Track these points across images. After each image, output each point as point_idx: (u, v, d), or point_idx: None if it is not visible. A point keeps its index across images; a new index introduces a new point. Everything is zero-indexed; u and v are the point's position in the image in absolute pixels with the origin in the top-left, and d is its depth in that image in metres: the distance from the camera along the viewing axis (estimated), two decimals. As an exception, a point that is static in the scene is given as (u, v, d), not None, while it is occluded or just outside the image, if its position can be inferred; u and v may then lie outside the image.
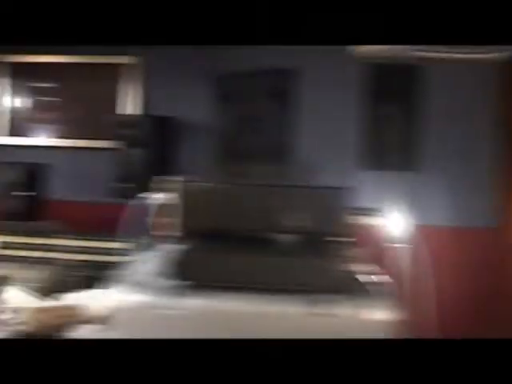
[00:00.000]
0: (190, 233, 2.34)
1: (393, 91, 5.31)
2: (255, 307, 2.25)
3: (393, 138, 5.32)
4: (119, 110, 5.50)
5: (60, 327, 2.48)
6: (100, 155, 5.40)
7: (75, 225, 3.77)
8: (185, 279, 2.29)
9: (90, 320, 2.57)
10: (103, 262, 3.38)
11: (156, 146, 5.10)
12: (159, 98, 5.49)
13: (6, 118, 5.62)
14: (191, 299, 2.25)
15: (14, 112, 5.66)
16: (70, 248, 3.45)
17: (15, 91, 5.68)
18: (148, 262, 2.50)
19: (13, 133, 5.61)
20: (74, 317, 2.51)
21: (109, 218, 5.04)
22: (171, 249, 2.37)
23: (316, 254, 2.38)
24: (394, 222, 3.55)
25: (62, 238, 3.47)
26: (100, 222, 5.05)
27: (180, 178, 2.35)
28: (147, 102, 5.51)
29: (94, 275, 3.25)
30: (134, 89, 5.51)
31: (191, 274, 2.30)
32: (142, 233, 2.44)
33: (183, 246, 2.33)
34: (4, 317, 2.61)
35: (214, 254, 2.35)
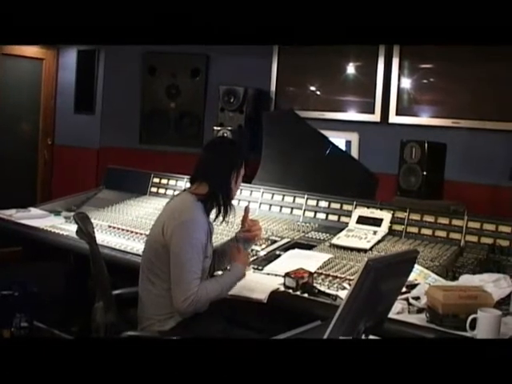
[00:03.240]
0: None
1: None
2: None
3: None
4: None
5: (460, 308, 2.46)
6: (496, 136, 5.21)
7: (471, 206, 3.72)
8: None
9: (491, 305, 2.50)
10: (501, 245, 3.27)
11: None
12: None
13: (402, 98, 5.74)
14: None
15: (409, 92, 5.75)
16: (467, 229, 3.40)
17: (409, 72, 5.75)
18: None
19: (407, 112, 5.72)
20: (478, 300, 2.46)
21: (505, 201, 4.91)
22: None
23: None
24: None
25: (460, 218, 3.44)
26: (495, 204, 4.95)
27: None
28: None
29: (491, 258, 3.18)
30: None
31: None
32: None
33: None
34: (404, 291, 2.70)
35: None
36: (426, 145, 3.75)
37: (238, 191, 3.11)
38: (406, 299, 2.73)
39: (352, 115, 5.87)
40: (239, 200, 3.92)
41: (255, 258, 3.35)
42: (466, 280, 2.91)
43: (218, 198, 2.83)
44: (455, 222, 3.46)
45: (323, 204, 3.86)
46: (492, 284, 2.81)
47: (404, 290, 2.68)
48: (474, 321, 2.38)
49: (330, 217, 3.81)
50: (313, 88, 6.20)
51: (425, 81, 5.69)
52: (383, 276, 2.12)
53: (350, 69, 5.98)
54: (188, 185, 2.97)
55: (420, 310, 2.66)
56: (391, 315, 2.47)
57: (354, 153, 5.49)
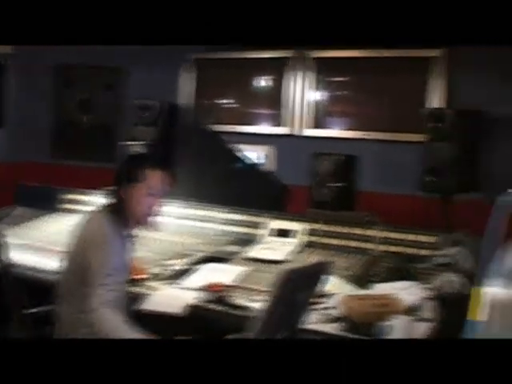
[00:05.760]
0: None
1: None
2: None
3: None
4: (422, 104, 5.42)
5: (373, 315, 2.51)
6: (405, 148, 5.37)
7: (382, 216, 3.80)
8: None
9: (403, 311, 2.56)
10: (412, 254, 3.35)
11: (463, 141, 4.94)
12: (466, 91, 5.30)
13: (314, 110, 5.84)
14: None
15: (321, 105, 5.87)
16: (380, 239, 3.47)
17: (321, 86, 5.88)
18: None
19: (320, 125, 5.83)
20: (389, 307, 2.52)
21: (414, 211, 5.05)
22: None
23: None
24: None
25: (373, 228, 3.51)
26: (405, 214, 5.08)
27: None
28: (454, 96, 5.35)
29: (403, 267, 3.25)
30: (439, 82, 5.39)
31: None
32: (499, 230, 2.30)
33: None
34: (321, 301, 2.73)
35: None
36: (338, 157, 3.83)
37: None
38: (322, 309, 2.75)
39: (267, 128, 5.94)
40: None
41: (171, 272, 3.32)
42: (380, 288, 2.96)
43: (117, 210, 2.79)
44: (368, 232, 3.52)
45: (237, 217, 3.84)
46: (404, 291, 2.88)
47: (319, 300, 2.71)
48: (388, 328, 2.43)
49: (244, 229, 3.79)
50: (229, 102, 6.24)
51: (338, 94, 5.83)
52: (298, 287, 2.14)
53: (266, 82, 6.04)
54: (101, 200, 2.94)
55: (336, 320, 2.69)
56: (307, 325, 2.49)
57: (270, 165, 5.54)
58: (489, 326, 2.01)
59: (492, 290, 2.12)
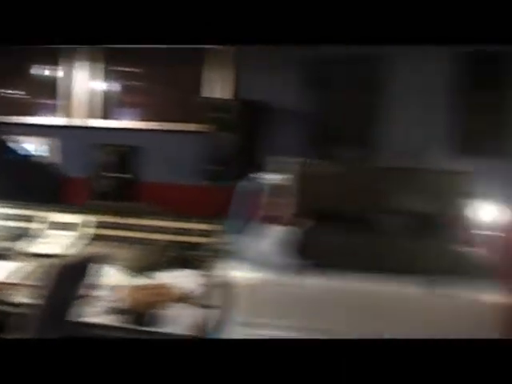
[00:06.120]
0: (303, 214, 2.32)
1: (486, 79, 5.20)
2: (374, 287, 2.24)
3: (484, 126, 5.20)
4: (206, 94, 5.56)
5: (154, 305, 2.54)
6: (189, 138, 5.46)
7: (165, 206, 3.84)
8: (303, 258, 2.28)
9: (181, 299, 2.62)
10: (193, 242, 3.42)
11: (245, 130, 5.14)
12: (249, 82, 5.51)
13: (99, 101, 5.76)
14: (309, 278, 2.23)
15: (106, 96, 5.80)
16: (161, 229, 3.50)
17: (107, 76, 5.82)
18: (261, 242, 2.51)
19: (105, 116, 5.76)
20: (168, 295, 2.57)
21: (198, 200, 5.16)
22: (284, 229, 2.36)
23: (432, 236, 2.36)
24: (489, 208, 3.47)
25: (154, 218, 3.53)
26: (189, 204, 5.17)
27: (295, 160, 2.34)
28: (237, 87, 5.54)
29: (184, 255, 3.31)
30: (223, 73, 5.56)
31: (309, 254, 2.28)
32: (241, 214, 2.42)
33: (298, 227, 2.32)
34: (101, 293, 2.71)
35: (332, 234, 2.33)
36: (120, 148, 3.81)
37: None
38: (102, 301, 2.73)
39: (53, 119, 5.74)
40: None
41: None
42: (161, 278, 3.01)
43: None
44: (149, 222, 3.54)
45: (14, 211, 3.68)
46: (185, 279, 2.95)
47: (99, 292, 2.69)
48: (167, 316, 2.47)
49: (22, 224, 3.63)
50: (13, 92, 5.96)
51: (127, 84, 5.81)
52: (73, 280, 2.12)
53: (53, 73, 5.85)
54: None
55: (119, 311, 2.68)
56: (91, 319, 2.47)
57: (52, 157, 5.37)
58: (236, 312, 2.11)
59: (238, 275, 2.23)
